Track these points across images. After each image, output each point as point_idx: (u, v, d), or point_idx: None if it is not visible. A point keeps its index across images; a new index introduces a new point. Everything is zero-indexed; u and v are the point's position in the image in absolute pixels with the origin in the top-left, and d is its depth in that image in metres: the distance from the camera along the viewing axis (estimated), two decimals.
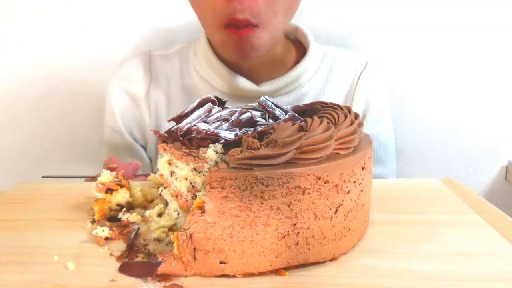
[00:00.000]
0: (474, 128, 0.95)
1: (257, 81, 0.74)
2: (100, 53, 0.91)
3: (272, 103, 0.45)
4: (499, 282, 0.34)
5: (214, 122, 0.43)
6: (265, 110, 0.45)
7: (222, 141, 0.38)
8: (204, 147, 0.38)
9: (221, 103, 0.49)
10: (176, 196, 0.43)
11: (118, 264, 0.37)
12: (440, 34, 0.90)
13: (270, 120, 0.44)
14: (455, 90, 0.93)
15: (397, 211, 0.48)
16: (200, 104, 0.46)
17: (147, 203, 0.50)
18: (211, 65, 0.75)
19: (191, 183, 0.40)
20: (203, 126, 0.40)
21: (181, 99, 0.78)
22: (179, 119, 0.44)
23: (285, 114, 0.44)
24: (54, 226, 0.45)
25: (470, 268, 0.36)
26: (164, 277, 0.35)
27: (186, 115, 0.44)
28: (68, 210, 0.49)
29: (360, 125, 0.42)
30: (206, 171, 0.37)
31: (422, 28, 0.89)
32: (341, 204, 0.37)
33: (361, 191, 0.39)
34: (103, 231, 0.41)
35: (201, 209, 0.34)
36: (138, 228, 0.44)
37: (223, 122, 0.42)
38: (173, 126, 0.43)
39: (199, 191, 0.39)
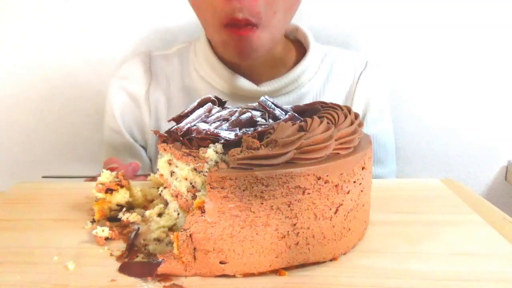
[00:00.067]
0: (474, 128, 0.95)
1: (257, 81, 0.74)
2: (100, 53, 0.91)
3: (272, 103, 0.45)
4: (499, 282, 0.34)
5: (214, 122, 0.43)
6: (265, 110, 0.45)
7: (222, 141, 0.38)
8: (204, 147, 0.38)
9: (221, 103, 0.49)
10: (176, 196, 0.43)
11: (118, 264, 0.37)
12: (440, 34, 0.90)
13: (270, 120, 0.44)
14: (455, 90, 0.93)
15: (397, 211, 0.48)
16: (200, 104, 0.46)
17: (147, 203, 0.50)
18: (211, 65, 0.75)
19: (191, 183, 0.40)
20: (203, 126, 0.40)
21: (181, 99, 0.78)
22: (179, 119, 0.44)
23: (285, 114, 0.44)
24: (54, 226, 0.45)
25: (470, 268, 0.36)
26: (164, 277, 0.35)
27: (186, 115, 0.44)
28: (68, 210, 0.49)
29: (360, 125, 0.42)
30: (206, 171, 0.37)
31: (422, 28, 0.89)
32: (341, 204, 0.37)
33: (361, 191, 0.39)
34: (103, 231, 0.41)
35: (201, 209, 0.34)
36: (138, 228, 0.44)
37: (223, 122, 0.42)
38: (173, 126, 0.43)
39: (199, 191, 0.39)
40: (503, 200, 0.99)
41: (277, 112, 0.44)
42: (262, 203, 0.34)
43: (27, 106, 0.94)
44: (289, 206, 0.34)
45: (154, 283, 0.34)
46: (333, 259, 0.38)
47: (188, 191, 0.41)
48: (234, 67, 0.74)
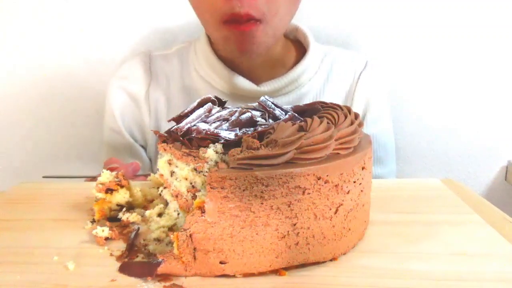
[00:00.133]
0: (474, 128, 0.95)
1: (257, 81, 0.74)
2: (100, 53, 0.91)
3: (272, 103, 0.45)
4: (499, 282, 0.34)
5: (214, 122, 0.43)
6: (265, 110, 0.45)
7: (222, 141, 0.38)
8: (204, 147, 0.38)
9: (221, 103, 0.49)
10: (176, 196, 0.43)
11: (118, 264, 0.37)
12: (440, 34, 0.90)
13: (270, 120, 0.44)
14: (455, 90, 0.93)
15: (397, 211, 0.48)
16: (200, 104, 0.46)
17: (147, 203, 0.50)
18: (211, 65, 0.75)
19: (191, 183, 0.40)
20: (203, 126, 0.40)
21: (181, 99, 0.78)
22: (179, 119, 0.44)
23: (285, 114, 0.44)
24: (54, 226, 0.45)
25: (470, 268, 0.36)
26: (164, 277, 0.35)
27: (186, 115, 0.44)
28: (68, 210, 0.49)
29: (360, 125, 0.42)
30: (206, 171, 0.37)
31: (422, 28, 0.89)
32: (341, 204, 0.37)
33: (361, 191, 0.39)
34: (103, 231, 0.41)
35: (201, 209, 0.34)
36: (138, 228, 0.44)
37: (223, 122, 0.42)
38: (173, 126, 0.43)
39: (199, 191, 0.39)
40: (503, 200, 0.99)
41: (277, 112, 0.44)
42: (262, 203, 0.34)
43: (27, 106, 0.94)
44: (289, 206, 0.34)
45: (154, 283, 0.34)
46: (333, 259, 0.38)
47: (188, 191, 0.41)
48: (234, 67, 0.74)
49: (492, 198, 0.88)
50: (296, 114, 0.44)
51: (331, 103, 0.46)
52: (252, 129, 0.41)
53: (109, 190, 0.46)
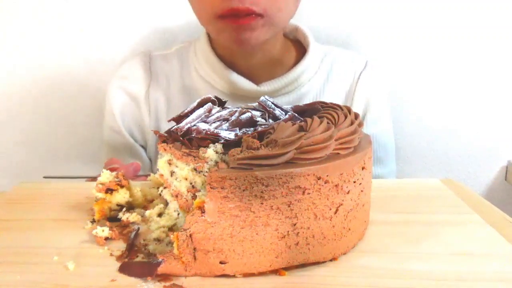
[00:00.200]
0: (474, 128, 0.95)
1: (257, 81, 0.74)
2: (100, 53, 0.91)
3: (272, 103, 0.45)
4: (499, 282, 0.34)
5: (214, 122, 0.43)
6: (265, 110, 0.45)
7: (222, 141, 0.38)
8: (204, 147, 0.38)
9: (221, 103, 0.49)
10: (176, 196, 0.43)
11: (118, 264, 0.37)
12: (440, 34, 0.90)
13: (270, 120, 0.44)
14: (455, 90, 0.93)
15: (397, 211, 0.48)
16: (200, 104, 0.46)
17: (147, 203, 0.50)
18: (211, 65, 0.75)
19: (191, 183, 0.40)
20: (203, 126, 0.40)
21: (181, 99, 0.78)
22: (179, 119, 0.44)
23: (285, 114, 0.44)
24: (54, 226, 0.45)
25: (470, 268, 0.36)
26: (164, 277, 0.35)
27: (186, 115, 0.44)
28: (68, 210, 0.49)
29: (360, 125, 0.42)
30: (206, 171, 0.37)
31: (422, 29, 0.89)
32: (341, 204, 0.37)
33: (361, 191, 0.39)
34: (103, 231, 0.41)
35: (201, 209, 0.34)
36: (138, 228, 0.44)
37: (223, 122, 0.42)
38: (173, 126, 0.43)
39: (199, 191, 0.39)
40: (503, 200, 0.99)
41: (277, 112, 0.44)
42: (262, 203, 0.34)
43: (27, 106, 0.94)
44: (289, 206, 0.34)
45: (154, 283, 0.34)
46: (333, 259, 0.38)
47: (188, 191, 0.41)
48: (234, 67, 0.74)
49: (492, 198, 0.88)
50: (296, 114, 0.44)
51: (331, 103, 0.46)
52: (252, 129, 0.41)
53: (109, 190, 0.46)
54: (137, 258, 0.38)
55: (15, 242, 0.41)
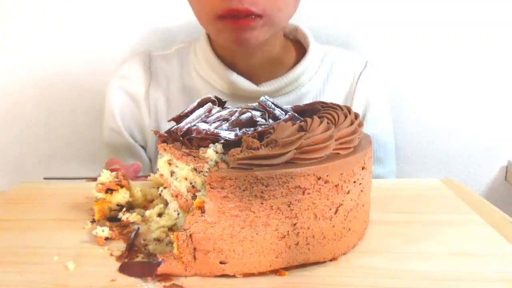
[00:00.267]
0: (474, 128, 0.95)
1: (256, 81, 0.74)
2: (100, 53, 0.91)
3: (272, 103, 0.45)
4: (499, 282, 0.34)
5: (214, 122, 0.43)
6: (265, 110, 0.45)
7: (222, 141, 0.38)
8: (204, 147, 0.38)
9: (221, 103, 0.49)
10: (176, 196, 0.43)
11: (118, 264, 0.37)
12: (440, 34, 0.90)
13: (270, 120, 0.44)
14: (455, 90, 0.93)
15: (397, 211, 0.48)
16: (200, 104, 0.46)
17: (147, 203, 0.50)
18: (211, 65, 0.75)
19: (191, 183, 0.40)
20: (203, 126, 0.40)
21: (181, 99, 0.78)
22: (179, 119, 0.44)
23: (285, 114, 0.44)
24: (54, 226, 0.45)
25: (470, 268, 0.36)
26: (164, 277, 0.35)
27: (186, 115, 0.44)
28: (68, 210, 0.49)
29: (360, 125, 0.42)
30: (206, 171, 0.37)
31: (422, 28, 0.89)
32: (341, 204, 0.37)
33: (361, 191, 0.39)
34: (103, 231, 0.41)
35: (201, 209, 0.34)
36: (138, 228, 0.44)
37: (223, 122, 0.42)
38: (173, 126, 0.43)
39: (199, 191, 0.39)
40: (503, 200, 0.99)
41: (277, 112, 0.44)
42: (262, 203, 0.34)
43: (27, 106, 0.94)
44: (289, 206, 0.34)
45: (154, 283, 0.34)
46: (333, 259, 0.38)
47: (188, 191, 0.41)
48: (234, 67, 0.74)
49: (492, 198, 0.88)
50: (296, 114, 0.44)
51: (331, 103, 0.46)
52: (252, 129, 0.41)
53: (109, 190, 0.46)
54: (137, 258, 0.38)
55: (15, 242, 0.42)
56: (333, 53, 0.81)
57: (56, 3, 0.88)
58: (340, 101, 0.78)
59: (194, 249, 0.35)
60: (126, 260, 0.38)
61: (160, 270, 0.35)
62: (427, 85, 0.93)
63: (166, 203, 0.47)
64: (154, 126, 0.79)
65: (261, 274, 0.36)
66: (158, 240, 0.41)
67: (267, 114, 0.45)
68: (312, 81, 0.77)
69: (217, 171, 0.33)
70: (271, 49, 0.74)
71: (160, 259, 0.35)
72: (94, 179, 0.60)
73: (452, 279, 0.34)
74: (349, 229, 0.39)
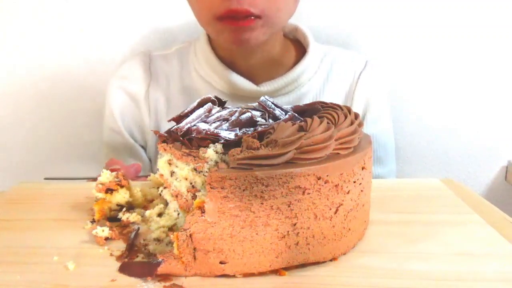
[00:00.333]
0: (474, 128, 0.95)
1: (256, 81, 0.74)
2: (100, 53, 0.91)
3: (272, 103, 0.45)
4: (499, 282, 0.34)
5: (214, 122, 0.43)
6: (265, 110, 0.45)
7: (222, 141, 0.38)
8: (204, 147, 0.38)
9: (221, 103, 0.49)
10: (176, 196, 0.43)
11: (118, 264, 0.37)
12: (440, 34, 0.90)
13: (270, 120, 0.44)
14: (455, 90, 0.93)
15: (397, 211, 0.48)
16: (200, 104, 0.46)
17: (147, 203, 0.50)
18: (210, 65, 0.75)
19: (191, 183, 0.40)
20: (203, 126, 0.40)
21: (181, 99, 0.78)
22: (179, 119, 0.44)
23: (285, 114, 0.44)
24: (54, 226, 0.45)
25: (470, 268, 0.36)
26: (164, 277, 0.35)
27: (186, 115, 0.44)
28: (68, 210, 0.49)
29: (360, 125, 0.42)
30: (206, 171, 0.37)
31: (422, 28, 0.89)
32: (341, 204, 0.37)
33: (361, 191, 0.39)
34: (103, 231, 0.41)
35: (201, 209, 0.34)
36: (138, 228, 0.44)
37: (223, 122, 0.42)
38: (173, 126, 0.43)
39: (199, 191, 0.39)
40: (503, 200, 0.99)
41: (277, 112, 0.44)
42: (262, 203, 0.34)
43: (27, 106, 0.94)
44: (289, 206, 0.34)
45: (154, 283, 0.34)
46: (333, 259, 0.38)
47: (188, 191, 0.41)
48: (234, 67, 0.74)
49: (492, 198, 0.88)
50: (296, 114, 0.44)
51: (331, 103, 0.46)
52: (252, 129, 0.41)
53: (109, 190, 0.46)
54: (137, 258, 0.38)
55: (15, 242, 0.42)
56: (333, 53, 0.81)
57: (56, 3, 0.88)
58: (340, 101, 0.78)
59: (194, 249, 0.35)
60: (126, 260, 0.38)
61: (160, 270, 0.35)
62: (427, 85, 0.93)
63: (166, 203, 0.47)
64: (154, 126, 0.79)
65: (261, 274, 0.36)
66: (158, 240, 0.41)
67: (267, 114, 0.45)
68: (312, 81, 0.77)
69: (217, 171, 0.33)
70: (271, 49, 0.74)
71: (160, 259, 0.35)
72: (94, 179, 0.60)
73: (452, 279, 0.34)
74: (349, 229, 0.39)
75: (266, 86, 0.74)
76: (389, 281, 0.34)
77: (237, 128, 0.41)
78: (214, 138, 0.38)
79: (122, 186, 0.47)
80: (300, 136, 0.36)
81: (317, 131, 0.37)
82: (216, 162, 0.37)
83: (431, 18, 0.89)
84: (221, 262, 0.35)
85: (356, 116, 0.43)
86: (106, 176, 0.46)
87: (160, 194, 0.48)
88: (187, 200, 0.41)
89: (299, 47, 0.79)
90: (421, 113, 0.95)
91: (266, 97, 0.46)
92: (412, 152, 0.97)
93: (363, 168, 0.39)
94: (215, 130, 0.39)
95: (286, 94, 0.76)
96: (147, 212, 0.45)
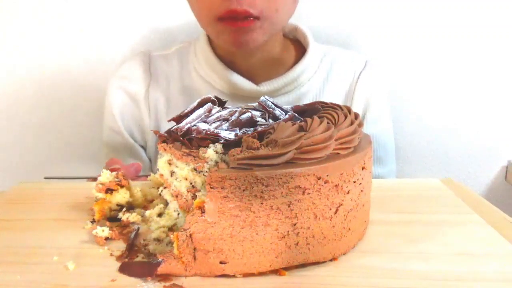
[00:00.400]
0: (474, 128, 0.95)
1: (256, 81, 0.74)
2: (100, 53, 0.91)
3: (272, 103, 0.45)
4: (499, 282, 0.34)
5: (214, 122, 0.43)
6: (265, 110, 0.45)
7: (222, 141, 0.38)
8: (204, 147, 0.38)
9: (221, 103, 0.49)
10: (176, 196, 0.43)
11: (118, 264, 0.37)
12: (440, 34, 0.90)
13: (270, 120, 0.44)
14: (455, 90, 0.93)
15: (397, 211, 0.48)
16: (200, 104, 0.46)
17: (147, 203, 0.50)
18: (210, 65, 0.75)
19: (191, 183, 0.40)
20: (203, 126, 0.40)
21: (181, 99, 0.78)
22: (179, 119, 0.44)
23: (285, 114, 0.44)
24: (54, 226, 0.45)
25: (470, 268, 0.36)
26: (164, 277, 0.35)
27: (186, 115, 0.44)
28: (68, 210, 0.49)
29: (360, 125, 0.42)
30: (206, 171, 0.37)
31: (422, 28, 0.89)
32: (341, 204, 0.37)
33: (361, 191, 0.39)
34: (103, 231, 0.41)
35: (201, 209, 0.34)
36: (138, 228, 0.44)
37: (223, 122, 0.42)
38: (173, 126, 0.43)
39: (199, 191, 0.39)
40: (503, 200, 0.99)
41: (277, 112, 0.44)
42: (262, 203, 0.34)
43: (27, 106, 0.94)
44: (289, 206, 0.34)
45: (154, 283, 0.34)
46: (333, 259, 0.38)
47: (188, 191, 0.41)
48: (234, 67, 0.74)
49: (492, 198, 0.88)
50: (296, 114, 0.44)
51: (331, 103, 0.46)
52: (252, 129, 0.41)
53: (109, 190, 0.46)
54: (137, 258, 0.38)
55: (15, 242, 0.42)
56: (333, 53, 0.81)
57: (56, 3, 0.88)
58: (340, 101, 0.78)
59: (194, 249, 0.35)
60: (126, 260, 0.38)
61: (160, 270, 0.35)
62: (427, 85, 0.93)
63: (166, 203, 0.47)
64: (154, 126, 0.79)
65: (261, 274, 0.36)
66: (158, 240, 0.41)
67: (267, 114, 0.45)
68: (311, 80, 0.77)
69: (217, 171, 0.33)
70: (270, 49, 0.74)
71: (160, 259, 0.35)
72: (94, 179, 0.60)
73: (452, 279, 0.34)
74: (349, 229, 0.39)
75: (266, 86, 0.74)
76: (389, 281, 0.34)
77: (237, 128, 0.41)
78: (214, 138, 0.38)
79: (122, 186, 0.47)
80: (300, 136, 0.36)
81: (317, 131, 0.37)
82: (216, 162, 0.37)
83: (431, 18, 0.89)
84: (221, 262, 0.35)
85: (356, 116, 0.43)
86: (106, 176, 0.46)
87: (160, 194, 0.48)
88: (187, 200, 0.41)
89: (299, 47, 0.79)
90: (421, 113, 0.95)
91: (266, 97, 0.46)
92: (412, 152, 0.97)
93: (363, 168, 0.39)
94: (215, 130, 0.39)
95: (286, 94, 0.76)
96: (147, 212, 0.45)
